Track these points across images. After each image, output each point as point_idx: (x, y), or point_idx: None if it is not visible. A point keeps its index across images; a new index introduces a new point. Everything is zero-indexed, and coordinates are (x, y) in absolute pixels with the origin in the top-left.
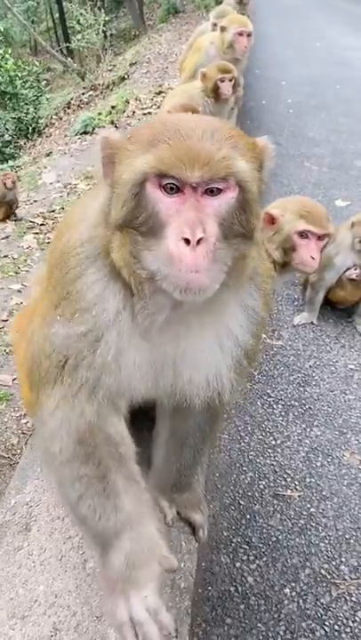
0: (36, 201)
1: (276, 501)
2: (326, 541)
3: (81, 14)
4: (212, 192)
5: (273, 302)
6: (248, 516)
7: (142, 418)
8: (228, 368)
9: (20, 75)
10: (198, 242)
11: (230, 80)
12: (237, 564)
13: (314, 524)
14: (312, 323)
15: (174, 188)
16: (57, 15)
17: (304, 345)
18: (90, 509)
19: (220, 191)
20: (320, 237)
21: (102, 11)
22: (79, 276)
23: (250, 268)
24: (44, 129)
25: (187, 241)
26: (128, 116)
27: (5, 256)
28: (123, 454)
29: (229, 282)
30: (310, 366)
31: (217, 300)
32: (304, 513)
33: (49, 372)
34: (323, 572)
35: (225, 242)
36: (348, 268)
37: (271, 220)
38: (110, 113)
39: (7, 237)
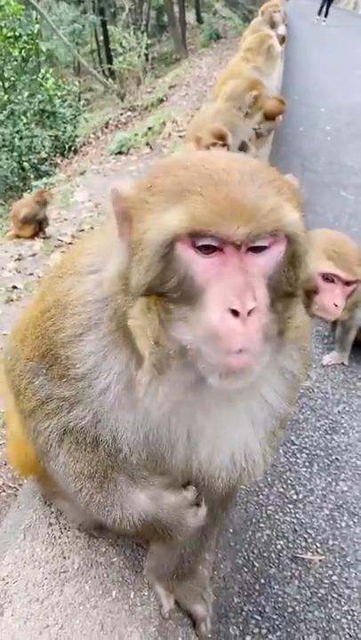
0: (66, 219)
1: (295, 565)
2: (349, 617)
3: (124, 37)
4: (256, 247)
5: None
6: (262, 581)
7: None
8: (261, 442)
9: (59, 94)
10: (249, 313)
11: (223, 146)
12: (247, 638)
13: (336, 596)
14: (343, 363)
15: (211, 247)
16: (101, 38)
17: (333, 387)
18: (114, 514)
19: (265, 246)
20: (348, 283)
21: (145, 34)
22: (74, 343)
23: (293, 332)
24: (80, 147)
25: (234, 312)
26: (164, 138)
27: (31, 274)
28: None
29: (270, 349)
30: (339, 412)
31: None
32: (325, 581)
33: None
34: None
35: (270, 307)
36: None
37: None
38: (146, 134)
39: (34, 255)
